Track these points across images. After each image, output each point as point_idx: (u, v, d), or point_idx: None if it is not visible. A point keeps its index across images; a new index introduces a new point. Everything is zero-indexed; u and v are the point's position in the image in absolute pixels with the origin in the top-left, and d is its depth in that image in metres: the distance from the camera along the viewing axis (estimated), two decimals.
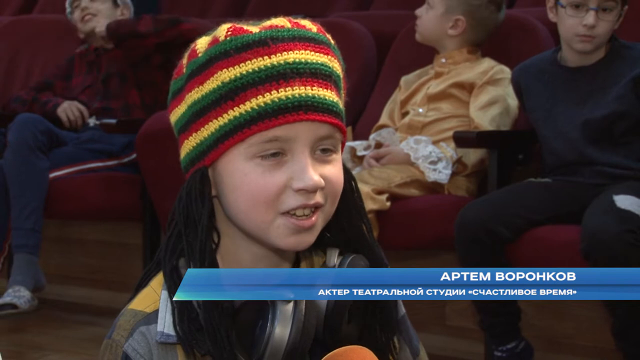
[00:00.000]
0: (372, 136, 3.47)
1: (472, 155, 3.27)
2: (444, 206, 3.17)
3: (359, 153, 3.42)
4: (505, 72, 3.35)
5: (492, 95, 3.31)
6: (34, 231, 3.77)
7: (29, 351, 3.51)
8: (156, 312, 1.30)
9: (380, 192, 3.14)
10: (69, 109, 4.07)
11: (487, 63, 3.41)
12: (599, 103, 2.97)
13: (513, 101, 3.29)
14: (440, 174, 3.20)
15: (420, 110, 3.42)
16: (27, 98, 4.20)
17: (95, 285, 4.20)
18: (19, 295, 3.71)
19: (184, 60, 1.32)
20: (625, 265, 2.64)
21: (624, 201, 2.72)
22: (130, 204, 3.94)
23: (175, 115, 1.32)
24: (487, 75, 3.35)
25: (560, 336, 3.22)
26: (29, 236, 3.76)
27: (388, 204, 3.14)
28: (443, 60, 3.47)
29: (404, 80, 3.57)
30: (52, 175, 3.85)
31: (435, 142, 3.29)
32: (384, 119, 3.55)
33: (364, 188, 3.09)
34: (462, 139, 3.18)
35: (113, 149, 4.00)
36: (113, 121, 3.91)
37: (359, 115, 3.79)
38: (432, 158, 3.22)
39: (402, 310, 1.44)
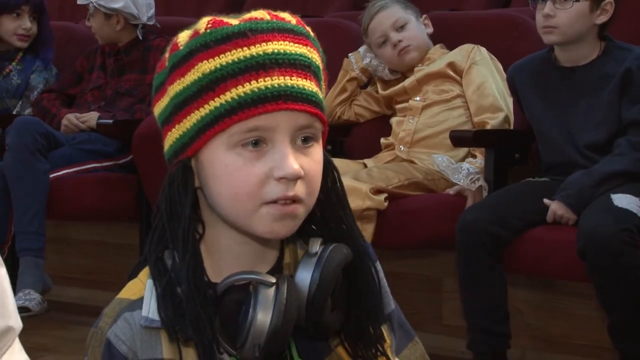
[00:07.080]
0: None
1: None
2: (442, 206, 3.17)
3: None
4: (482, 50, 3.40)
5: (483, 74, 3.34)
6: (38, 234, 3.75)
7: (26, 352, 3.49)
8: (141, 299, 1.31)
9: (378, 192, 3.14)
10: (65, 128, 4.03)
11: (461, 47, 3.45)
12: (593, 103, 2.97)
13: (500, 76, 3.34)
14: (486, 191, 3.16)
15: (417, 99, 3.45)
16: (48, 107, 4.16)
17: (91, 285, 4.19)
18: (30, 298, 3.70)
19: (167, 54, 1.32)
20: (622, 264, 2.65)
21: (621, 200, 2.73)
22: (127, 204, 3.94)
23: (159, 108, 1.33)
24: (469, 57, 3.38)
25: (556, 335, 3.23)
26: (34, 239, 3.75)
27: (386, 203, 3.14)
28: (420, 66, 3.50)
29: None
30: (49, 176, 3.83)
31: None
32: None
33: (362, 186, 3.10)
34: (458, 139, 3.18)
35: (109, 149, 3.99)
36: (110, 122, 3.90)
37: None
38: (472, 176, 3.16)
39: (392, 305, 1.44)
